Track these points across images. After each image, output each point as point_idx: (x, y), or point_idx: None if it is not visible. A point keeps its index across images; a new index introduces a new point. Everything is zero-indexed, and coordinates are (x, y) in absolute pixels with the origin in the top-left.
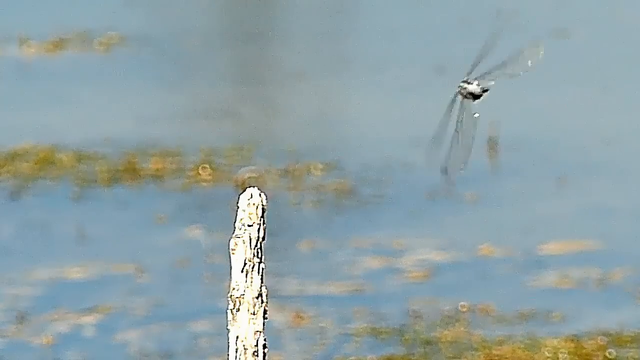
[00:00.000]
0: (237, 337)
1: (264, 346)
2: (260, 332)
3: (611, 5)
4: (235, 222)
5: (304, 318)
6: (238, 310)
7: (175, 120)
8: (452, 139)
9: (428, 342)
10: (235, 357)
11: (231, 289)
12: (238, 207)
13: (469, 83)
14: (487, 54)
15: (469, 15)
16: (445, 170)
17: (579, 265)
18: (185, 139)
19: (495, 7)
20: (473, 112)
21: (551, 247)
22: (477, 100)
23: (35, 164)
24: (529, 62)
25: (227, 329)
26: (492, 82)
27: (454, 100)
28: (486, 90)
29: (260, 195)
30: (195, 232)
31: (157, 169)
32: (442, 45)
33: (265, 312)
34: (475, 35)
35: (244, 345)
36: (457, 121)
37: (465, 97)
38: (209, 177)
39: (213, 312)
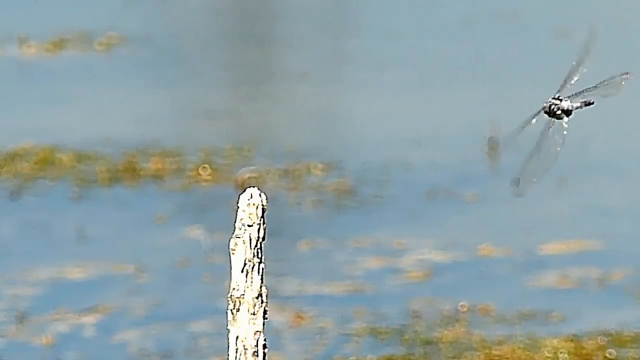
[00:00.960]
0: (237, 337)
1: (264, 346)
2: (260, 332)
3: (613, 5)
4: (235, 222)
5: (304, 318)
6: (238, 310)
7: (175, 120)
8: (532, 151)
9: (428, 342)
10: (235, 357)
11: (231, 289)
12: (238, 207)
13: (560, 100)
14: (576, 73)
15: (470, 15)
16: (517, 182)
17: (579, 265)
18: (185, 139)
19: (495, 7)
20: (563, 130)
21: (551, 247)
22: (566, 117)
23: (35, 164)
24: (621, 87)
25: (227, 329)
26: (591, 100)
27: (536, 115)
28: (590, 104)
29: (260, 195)
30: (195, 232)
31: (157, 169)
32: (443, 45)
33: (265, 312)
34: (476, 35)
35: (244, 345)
36: (544, 134)
37: (553, 114)
38: (209, 177)
39: (213, 312)
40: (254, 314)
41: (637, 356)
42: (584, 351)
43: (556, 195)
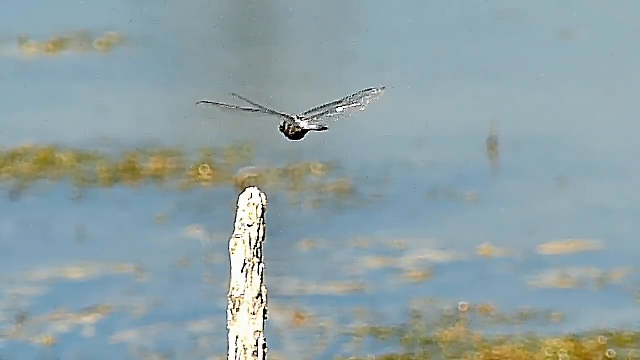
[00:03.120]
0: (237, 337)
1: (264, 346)
2: (260, 332)
3: (614, 6)
4: (235, 222)
5: (304, 318)
6: (238, 310)
7: (175, 120)
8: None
9: (428, 342)
10: (235, 357)
11: (231, 289)
12: (238, 207)
13: (300, 119)
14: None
15: (472, 15)
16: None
17: (579, 265)
18: (185, 139)
19: (497, 8)
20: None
21: (551, 247)
22: (294, 140)
23: (35, 164)
24: (366, 104)
25: (227, 329)
26: (326, 125)
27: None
28: (324, 129)
29: (260, 195)
30: (195, 232)
31: (157, 169)
32: (445, 45)
33: (265, 312)
34: (478, 35)
35: (244, 345)
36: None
37: (287, 133)
38: (209, 177)
39: (213, 312)
40: (254, 314)
41: (637, 356)
42: (584, 351)
43: (556, 195)
